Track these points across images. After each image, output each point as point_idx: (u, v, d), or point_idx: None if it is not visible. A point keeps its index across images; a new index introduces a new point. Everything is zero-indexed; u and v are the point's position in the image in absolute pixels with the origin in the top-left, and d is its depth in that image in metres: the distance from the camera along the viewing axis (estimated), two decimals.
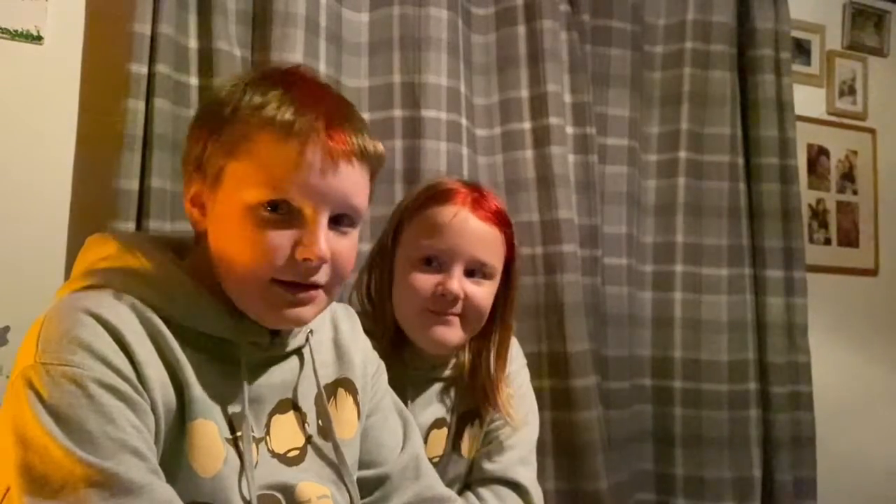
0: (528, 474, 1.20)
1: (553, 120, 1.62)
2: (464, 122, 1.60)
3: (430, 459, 1.15)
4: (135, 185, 1.31)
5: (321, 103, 0.80)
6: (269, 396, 0.86)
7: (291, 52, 1.43)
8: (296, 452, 0.88)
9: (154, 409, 0.75)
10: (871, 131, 2.29)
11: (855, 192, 2.25)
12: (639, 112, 1.81)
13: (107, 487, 0.68)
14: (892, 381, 2.23)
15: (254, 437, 0.84)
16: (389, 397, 1.02)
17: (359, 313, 1.10)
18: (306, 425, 0.89)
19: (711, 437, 1.77)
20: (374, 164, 0.84)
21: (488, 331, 1.19)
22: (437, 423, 1.19)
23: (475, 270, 1.14)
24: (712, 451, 1.77)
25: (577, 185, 1.68)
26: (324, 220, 0.79)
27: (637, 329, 1.79)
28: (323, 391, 0.90)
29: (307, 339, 0.90)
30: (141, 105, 1.32)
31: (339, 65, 1.54)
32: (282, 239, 0.78)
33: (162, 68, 1.33)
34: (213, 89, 0.86)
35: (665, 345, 1.80)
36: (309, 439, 0.89)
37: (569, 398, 1.56)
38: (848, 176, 2.25)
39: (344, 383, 0.94)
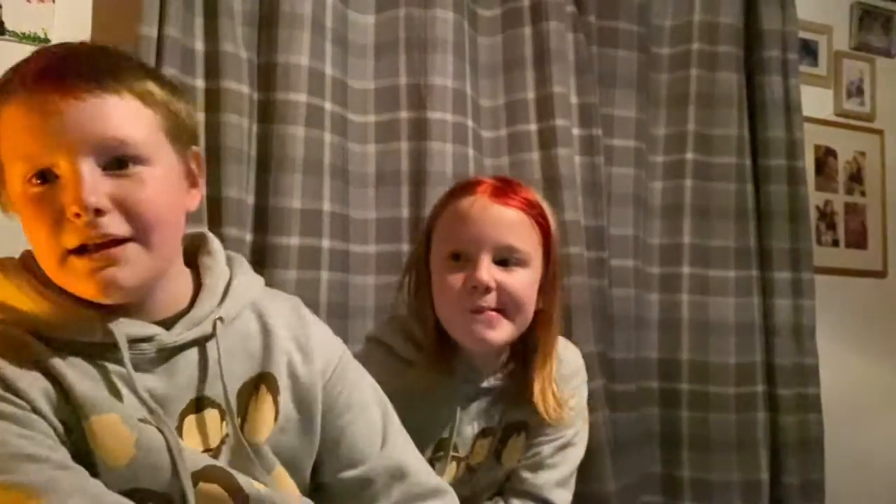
0: (564, 497, 1.18)
1: (559, 121, 1.62)
2: (470, 123, 1.60)
3: (470, 465, 1.15)
4: None
5: (43, 57, 0.75)
6: (175, 396, 0.80)
7: (297, 53, 1.43)
8: (210, 454, 0.82)
9: (42, 415, 0.74)
10: (879, 132, 2.27)
11: (863, 194, 2.24)
12: (645, 113, 1.81)
13: (13, 499, 0.69)
14: None
15: None
16: (361, 389, 0.93)
17: (393, 319, 1.09)
18: (224, 423, 0.83)
19: (719, 440, 1.76)
20: (138, 95, 0.76)
21: (531, 329, 1.13)
22: (484, 433, 1.15)
23: (507, 259, 1.08)
24: (720, 453, 1.76)
25: (584, 187, 1.67)
26: (82, 167, 0.72)
27: (644, 331, 1.79)
28: (227, 388, 0.82)
29: (214, 328, 0.83)
30: None
31: (345, 67, 1.54)
32: (47, 201, 0.72)
33: (168, 71, 1.33)
34: None
35: (672, 347, 1.79)
36: (224, 439, 0.83)
37: None
38: (856, 177, 2.23)
39: (266, 379, 0.86)
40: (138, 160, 0.75)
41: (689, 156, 1.83)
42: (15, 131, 0.73)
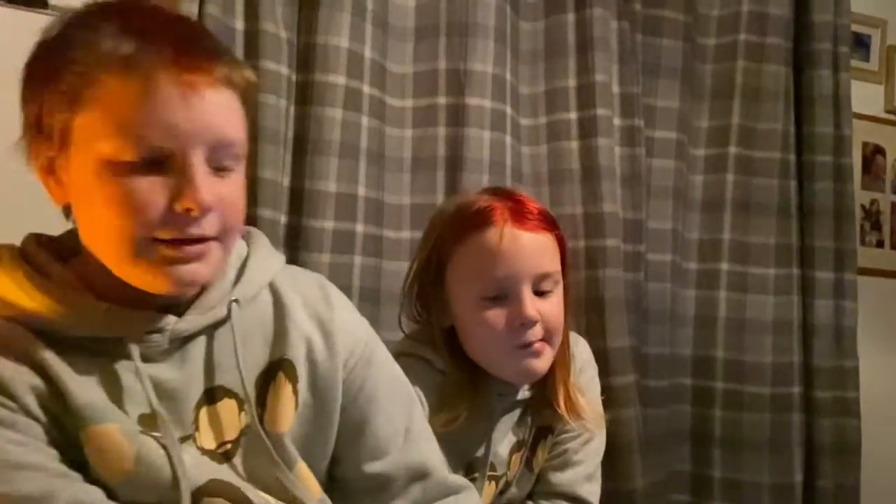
0: (593, 490, 1.17)
1: (600, 111, 1.59)
2: (508, 110, 1.57)
3: (508, 480, 1.13)
4: None
5: (167, 29, 0.70)
6: (188, 387, 0.76)
7: (337, 35, 1.42)
8: (228, 447, 0.78)
9: (36, 419, 0.70)
10: None
11: None
12: (688, 105, 1.77)
13: None
14: None
15: (178, 437, 0.75)
16: (386, 379, 0.88)
17: (410, 337, 1.07)
18: (242, 414, 0.78)
19: (751, 440, 1.73)
20: (242, 90, 0.74)
21: None
22: (518, 446, 1.15)
23: (542, 285, 1.07)
24: (752, 454, 1.73)
25: (623, 178, 1.64)
26: (198, 160, 0.69)
27: (679, 327, 1.76)
28: (245, 376, 0.77)
29: (229, 312, 0.78)
30: None
31: (385, 50, 1.52)
32: (153, 191, 0.68)
33: None
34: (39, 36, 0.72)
35: (707, 344, 1.76)
36: (244, 430, 0.78)
37: (607, 396, 1.52)
38: None
39: (284, 366, 0.81)
40: (237, 162, 0.74)
41: (732, 149, 1.78)
42: (127, 106, 0.67)
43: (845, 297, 1.83)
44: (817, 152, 1.83)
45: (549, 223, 1.10)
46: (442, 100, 1.54)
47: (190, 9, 1.31)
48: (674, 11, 1.74)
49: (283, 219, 1.41)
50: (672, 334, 1.73)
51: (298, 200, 1.41)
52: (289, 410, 0.81)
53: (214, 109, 0.70)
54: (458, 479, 0.91)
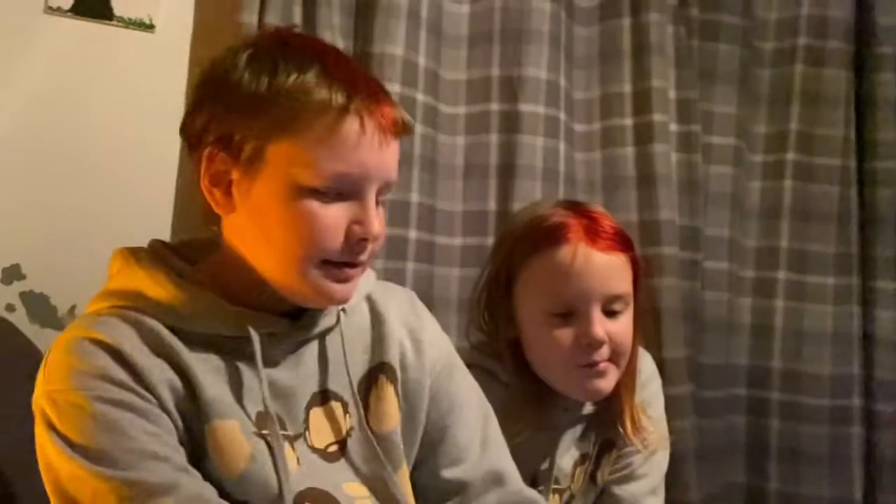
0: (657, 503, 1.17)
1: (657, 116, 1.57)
2: (562, 116, 1.57)
3: (573, 493, 1.13)
4: None
5: (365, 78, 0.80)
6: (300, 388, 0.83)
7: (393, 43, 1.43)
8: (335, 447, 0.84)
9: (167, 412, 0.75)
10: None
11: None
12: (746, 110, 1.74)
13: (134, 496, 0.69)
14: None
15: (289, 434, 0.81)
16: (465, 390, 0.95)
17: (476, 347, 1.07)
18: (347, 416, 0.85)
19: (810, 453, 1.69)
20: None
21: None
22: (582, 459, 1.14)
23: (613, 306, 1.06)
24: (810, 467, 1.69)
25: (680, 185, 1.62)
26: (373, 196, 0.78)
27: (735, 336, 1.73)
28: (352, 379, 0.84)
29: (338, 320, 0.85)
30: None
31: (439, 57, 1.53)
32: (338, 218, 0.77)
33: None
34: (218, 58, 0.80)
35: (764, 354, 1.73)
36: (349, 432, 0.84)
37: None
38: None
39: (385, 369, 0.88)
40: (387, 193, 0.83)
41: (790, 156, 1.75)
42: (333, 143, 0.76)
43: None
44: (879, 158, 1.78)
45: (623, 244, 1.09)
46: (495, 106, 1.54)
47: (250, 19, 1.34)
48: (731, 16, 1.72)
49: None
50: (728, 344, 1.71)
51: None
52: (393, 409, 0.87)
53: (393, 153, 0.80)
54: (532, 492, 0.94)
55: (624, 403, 1.11)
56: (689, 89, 1.66)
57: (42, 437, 0.73)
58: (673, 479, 1.49)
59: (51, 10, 1.35)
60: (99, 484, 0.69)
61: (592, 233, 1.06)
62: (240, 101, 0.76)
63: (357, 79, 0.78)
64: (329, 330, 0.85)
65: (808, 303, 1.73)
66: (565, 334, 1.04)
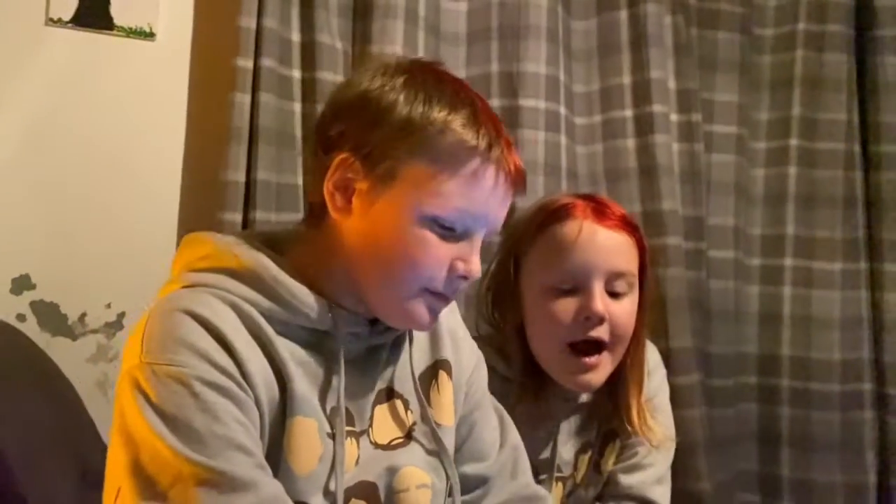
0: (663, 492, 1.17)
1: (657, 107, 1.57)
2: (563, 110, 1.57)
3: (577, 482, 1.15)
4: (241, 177, 1.34)
5: (502, 130, 0.83)
6: (369, 386, 0.86)
7: (391, 43, 1.44)
8: (399, 441, 0.87)
9: (258, 405, 0.75)
10: None
11: None
12: (747, 98, 1.74)
13: (215, 485, 0.68)
14: None
15: (355, 430, 0.83)
16: (486, 391, 1.00)
17: (480, 339, 1.06)
18: (409, 413, 0.88)
19: (821, 439, 1.69)
20: None
21: (624, 352, 1.11)
22: (584, 448, 1.15)
23: (616, 284, 1.06)
24: (822, 453, 1.68)
25: (682, 175, 1.62)
26: (480, 239, 0.82)
27: (743, 325, 1.72)
28: (416, 378, 0.88)
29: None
30: (247, 99, 1.35)
31: (438, 55, 1.53)
32: (447, 252, 0.80)
33: (267, 62, 1.36)
34: (368, 76, 0.82)
35: (772, 342, 1.72)
36: (412, 427, 0.88)
37: (671, 396, 1.51)
38: None
39: (443, 365, 0.92)
40: None
41: (794, 142, 1.74)
42: (465, 182, 0.79)
43: None
44: (883, 142, 1.77)
45: (630, 226, 1.09)
46: (495, 102, 1.54)
47: (249, 23, 1.35)
48: (729, 3, 1.71)
49: None
50: (736, 332, 1.70)
51: None
52: (450, 404, 0.92)
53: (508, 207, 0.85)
54: (540, 489, 0.99)
55: (631, 398, 1.11)
56: (688, 78, 1.65)
57: (131, 407, 0.71)
58: (684, 468, 1.50)
59: (52, 21, 1.37)
60: (183, 467, 0.68)
61: (599, 212, 1.07)
62: (390, 121, 0.78)
63: (499, 130, 0.82)
64: (400, 333, 0.88)
65: (815, 289, 1.72)
66: (566, 308, 1.04)
